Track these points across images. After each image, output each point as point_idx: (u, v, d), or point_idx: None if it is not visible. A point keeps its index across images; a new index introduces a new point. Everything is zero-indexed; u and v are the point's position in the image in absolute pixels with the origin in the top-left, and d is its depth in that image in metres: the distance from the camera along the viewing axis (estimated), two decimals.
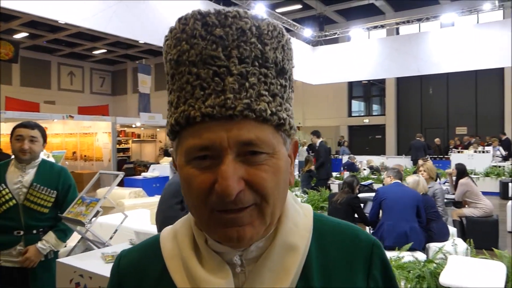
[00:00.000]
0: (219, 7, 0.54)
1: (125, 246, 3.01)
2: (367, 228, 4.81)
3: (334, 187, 9.26)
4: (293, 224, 0.61)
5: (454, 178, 6.51)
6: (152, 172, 11.31)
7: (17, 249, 2.45)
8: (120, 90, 25.35)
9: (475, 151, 12.10)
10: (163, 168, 11.36)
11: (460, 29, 13.75)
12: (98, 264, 2.59)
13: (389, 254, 3.16)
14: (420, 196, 4.33)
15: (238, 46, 0.52)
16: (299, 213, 0.64)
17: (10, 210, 2.42)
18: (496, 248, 3.98)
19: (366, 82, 19.26)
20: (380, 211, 4.41)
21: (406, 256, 3.42)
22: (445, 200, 6.36)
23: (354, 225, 0.68)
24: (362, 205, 5.04)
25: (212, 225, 0.54)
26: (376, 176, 10.19)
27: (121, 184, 8.64)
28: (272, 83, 0.55)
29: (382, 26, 15.43)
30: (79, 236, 3.14)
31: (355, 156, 12.37)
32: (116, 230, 3.30)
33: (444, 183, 7.82)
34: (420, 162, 6.32)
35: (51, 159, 5.65)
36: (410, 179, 4.79)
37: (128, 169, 13.90)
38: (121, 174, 3.39)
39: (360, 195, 5.44)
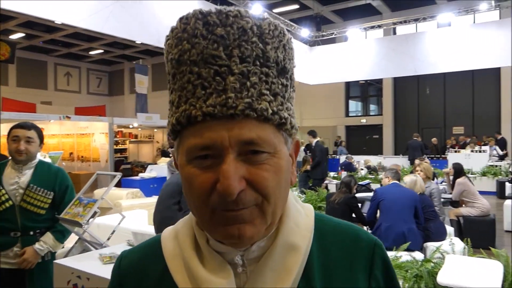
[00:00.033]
0: (217, 7, 0.54)
1: (123, 247, 3.00)
2: (365, 228, 4.82)
3: (332, 187, 9.27)
4: (295, 224, 0.61)
5: (451, 177, 6.53)
6: (150, 173, 11.29)
7: (14, 250, 2.44)
8: (117, 90, 25.29)
9: (472, 151, 12.15)
10: (160, 169, 11.35)
11: (457, 29, 13.80)
12: (95, 265, 2.58)
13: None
14: (418, 197, 4.34)
15: (239, 46, 0.52)
16: (300, 213, 0.63)
17: (7, 211, 2.41)
18: (493, 247, 3.99)
19: (363, 82, 19.29)
20: (378, 211, 4.42)
21: (404, 255, 3.43)
22: (443, 200, 6.39)
23: (355, 225, 0.68)
24: (359, 205, 5.06)
25: (213, 224, 0.54)
26: (373, 176, 10.21)
27: (118, 184, 8.61)
28: (273, 82, 0.55)
29: (379, 26, 15.47)
30: (77, 237, 3.13)
31: (353, 156, 12.39)
32: (113, 231, 3.29)
33: (441, 183, 7.84)
34: (417, 161, 6.34)
35: (48, 160, 5.63)
36: (408, 179, 4.80)
37: (126, 169, 13.86)
38: (119, 175, 3.38)
39: (357, 195, 5.45)
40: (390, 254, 3.32)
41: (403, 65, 14.05)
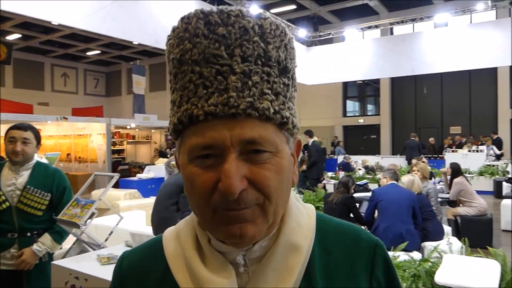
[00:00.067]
0: (219, 7, 0.54)
1: (121, 248, 3.00)
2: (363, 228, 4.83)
3: (330, 187, 9.28)
4: (296, 224, 0.61)
5: (448, 177, 6.55)
6: (147, 173, 11.28)
7: (11, 252, 2.43)
8: (115, 91, 25.24)
9: (469, 151, 12.19)
10: (158, 169, 11.33)
11: (454, 29, 13.84)
12: (93, 266, 2.58)
13: None
14: (416, 197, 4.35)
15: (241, 45, 0.52)
16: (302, 213, 0.63)
17: (4, 212, 2.40)
18: (491, 246, 4.00)
19: (361, 82, 19.33)
20: (376, 211, 4.43)
21: (402, 255, 3.44)
22: (440, 199, 6.41)
23: (356, 226, 0.68)
24: (357, 204, 5.06)
25: (215, 224, 0.54)
26: (371, 176, 10.23)
27: (116, 185, 8.58)
28: (275, 81, 0.55)
29: (376, 26, 15.49)
30: (74, 238, 3.12)
31: (350, 156, 12.41)
32: (111, 232, 3.29)
33: (438, 182, 7.87)
34: (414, 161, 6.36)
35: (44, 161, 5.61)
36: (405, 179, 4.81)
37: (123, 170, 13.83)
38: (116, 176, 3.37)
39: (355, 195, 5.46)
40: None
41: (400, 65, 14.08)
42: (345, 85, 19.78)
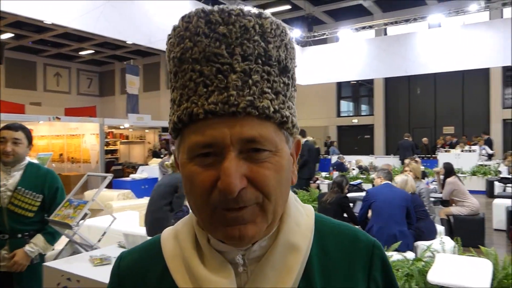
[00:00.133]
0: (214, 7, 0.54)
1: (114, 248, 2.98)
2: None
3: (324, 187, 9.31)
4: (295, 224, 0.61)
5: (441, 177, 6.60)
6: (141, 174, 11.23)
7: (2, 253, 2.40)
8: (108, 91, 25.11)
9: (462, 151, 12.29)
10: (151, 170, 11.30)
11: (447, 30, 13.93)
12: (86, 267, 2.56)
13: None
14: (410, 197, 4.37)
15: (242, 44, 0.52)
16: (301, 213, 0.64)
17: None
18: (483, 245, 4.03)
19: (355, 82, 19.40)
20: (369, 211, 4.44)
21: (395, 254, 3.46)
22: (433, 199, 6.46)
23: (353, 226, 0.68)
24: (351, 204, 5.08)
25: (214, 224, 0.53)
26: (365, 176, 10.28)
27: (109, 186, 8.55)
28: (275, 81, 0.55)
29: (370, 27, 15.55)
30: (67, 239, 3.10)
31: (344, 156, 12.46)
32: (104, 233, 3.27)
33: (432, 182, 7.92)
34: (406, 161, 6.39)
35: (34, 161, 5.56)
36: (399, 179, 4.84)
37: (117, 170, 13.75)
38: (110, 176, 3.36)
39: (349, 195, 5.48)
40: None
41: (394, 66, 14.15)
42: (339, 85, 19.84)
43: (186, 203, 4.53)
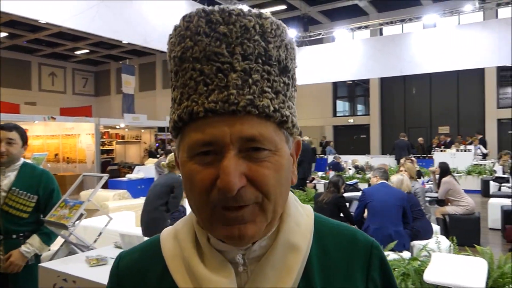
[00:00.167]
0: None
1: (110, 249, 2.97)
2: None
3: (320, 186, 9.33)
4: (295, 224, 0.61)
5: (437, 176, 6.63)
6: (137, 174, 11.19)
7: None
8: (104, 90, 25.02)
9: (457, 150, 12.35)
10: (147, 170, 11.26)
11: (442, 30, 13.99)
12: (82, 268, 2.55)
13: None
14: (406, 196, 4.38)
15: (242, 43, 0.52)
16: (301, 213, 0.64)
17: None
18: (478, 244, 4.06)
19: (351, 82, 19.43)
20: (366, 211, 4.45)
21: (391, 254, 3.47)
22: (429, 199, 6.49)
23: (351, 227, 0.69)
24: (347, 204, 5.09)
25: (214, 223, 0.53)
26: (361, 176, 10.30)
27: (105, 186, 8.52)
28: (275, 80, 0.55)
29: (366, 27, 15.59)
30: (62, 240, 3.08)
31: (340, 156, 12.48)
32: (100, 233, 3.26)
33: (427, 182, 7.96)
34: (402, 161, 6.42)
35: (29, 162, 5.52)
36: (394, 178, 4.85)
37: (112, 170, 13.70)
38: (105, 176, 3.34)
39: (345, 195, 5.49)
40: None
41: (390, 66, 14.20)
42: (335, 85, 19.87)
43: (182, 203, 4.53)
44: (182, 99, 0.54)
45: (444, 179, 6.16)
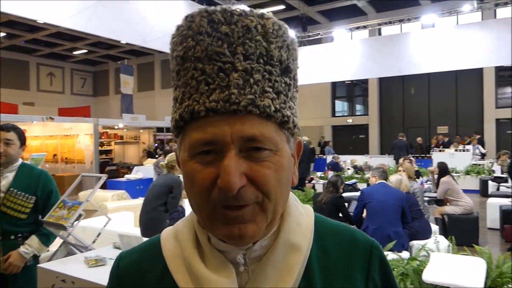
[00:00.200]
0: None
1: (109, 249, 2.96)
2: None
3: (319, 186, 9.33)
4: (296, 224, 0.61)
5: (436, 176, 6.63)
6: (136, 174, 11.18)
7: None
8: (102, 91, 24.99)
9: (456, 150, 12.37)
10: (146, 170, 11.25)
11: (441, 30, 14.01)
12: (80, 269, 2.55)
13: None
14: (405, 196, 4.38)
15: (243, 43, 0.53)
16: (301, 213, 0.64)
17: None
18: (477, 244, 4.07)
19: (349, 82, 19.45)
20: (364, 211, 4.45)
21: (390, 254, 3.47)
22: (428, 198, 6.49)
23: (351, 227, 0.69)
24: (346, 204, 5.09)
25: (214, 222, 0.54)
26: (360, 176, 10.31)
27: (104, 186, 8.51)
28: (276, 80, 0.55)
29: (365, 27, 15.61)
30: (61, 241, 3.08)
31: (339, 156, 12.49)
32: (99, 234, 3.25)
33: (426, 182, 7.96)
34: (400, 161, 6.42)
35: (28, 162, 5.51)
36: (393, 178, 4.85)
37: (111, 171, 13.69)
38: (104, 177, 3.34)
39: (344, 195, 5.50)
40: None
41: (388, 66, 14.20)
42: (334, 85, 19.88)
43: (181, 203, 4.52)
44: (184, 98, 0.54)
45: (442, 179, 6.16)
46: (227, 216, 0.52)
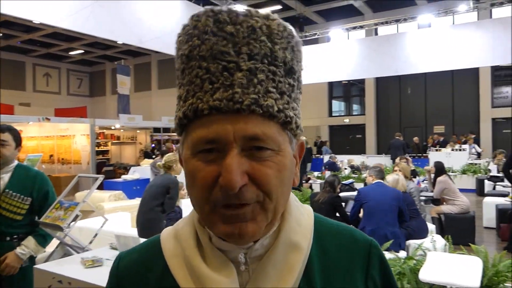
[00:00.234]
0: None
1: (106, 250, 2.96)
2: None
3: (316, 186, 9.34)
4: (297, 223, 0.62)
5: (432, 175, 6.65)
6: (132, 175, 11.15)
7: None
8: (99, 91, 24.91)
9: (452, 149, 12.41)
10: (143, 170, 11.21)
11: (437, 30, 14.05)
12: (77, 269, 2.54)
13: None
14: (401, 195, 4.39)
15: (248, 43, 0.53)
16: (301, 213, 0.65)
17: None
18: (473, 243, 4.08)
19: (346, 82, 19.49)
20: (361, 210, 4.46)
21: (387, 253, 3.47)
22: (424, 198, 6.51)
23: (350, 226, 0.69)
24: (343, 204, 5.10)
25: (214, 220, 0.54)
26: (357, 175, 10.32)
27: (100, 187, 8.48)
28: (280, 81, 0.55)
29: (361, 27, 15.63)
30: (58, 241, 3.07)
31: (336, 156, 12.51)
32: (96, 234, 3.24)
33: (423, 181, 7.99)
34: (396, 161, 6.44)
35: (24, 163, 5.49)
36: (390, 178, 4.86)
37: (108, 171, 13.63)
38: (101, 177, 3.32)
39: (341, 194, 5.50)
40: None
41: (385, 66, 14.23)
42: (331, 85, 19.91)
43: (178, 203, 4.51)
44: (188, 97, 0.55)
45: (439, 178, 6.19)
46: (228, 214, 0.52)
